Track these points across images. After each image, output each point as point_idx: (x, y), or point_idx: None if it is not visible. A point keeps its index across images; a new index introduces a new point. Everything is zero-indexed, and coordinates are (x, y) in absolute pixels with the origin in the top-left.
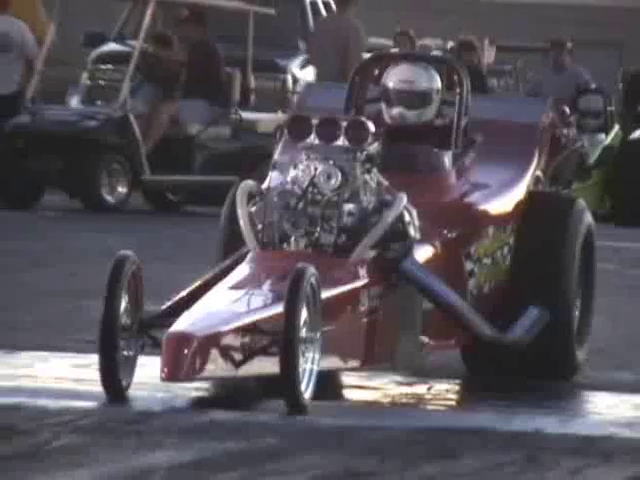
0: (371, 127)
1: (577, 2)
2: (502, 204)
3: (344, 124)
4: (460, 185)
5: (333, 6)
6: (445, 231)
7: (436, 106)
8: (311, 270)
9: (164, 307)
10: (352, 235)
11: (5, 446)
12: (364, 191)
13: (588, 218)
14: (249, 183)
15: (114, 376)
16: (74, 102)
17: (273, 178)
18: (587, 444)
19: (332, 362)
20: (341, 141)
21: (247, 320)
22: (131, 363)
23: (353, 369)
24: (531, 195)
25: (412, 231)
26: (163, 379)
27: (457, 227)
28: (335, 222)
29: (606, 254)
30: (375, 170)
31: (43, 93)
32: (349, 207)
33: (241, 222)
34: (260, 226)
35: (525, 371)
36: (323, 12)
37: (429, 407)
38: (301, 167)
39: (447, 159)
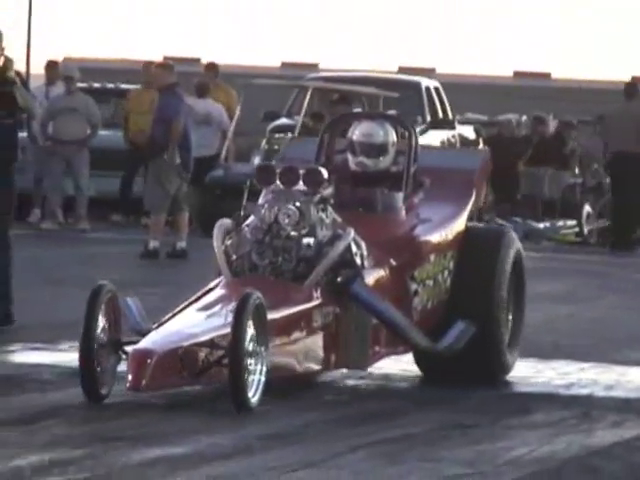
0: (325, 174)
1: None
2: (442, 235)
3: (302, 172)
4: (408, 220)
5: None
6: (393, 258)
7: (392, 156)
8: (256, 294)
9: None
10: (309, 264)
11: None
12: (320, 227)
13: (517, 245)
14: (225, 221)
15: (93, 385)
16: (256, 161)
17: (247, 217)
18: (625, 404)
19: (292, 368)
20: (300, 186)
21: (205, 337)
22: (110, 374)
23: (312, 373)
24: (468, 228)
25: (358, 260)
26: (128, 389)
27: (403, 255)
28: (294, 253)
29: None
30: (330, 209)
31: (234, 155)
32: (307, 240)
33: (216, 254)
34: (234, 257)
35: (464, 372)
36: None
37: (513, 380)
38: (267, 207)
39: (399, 199)
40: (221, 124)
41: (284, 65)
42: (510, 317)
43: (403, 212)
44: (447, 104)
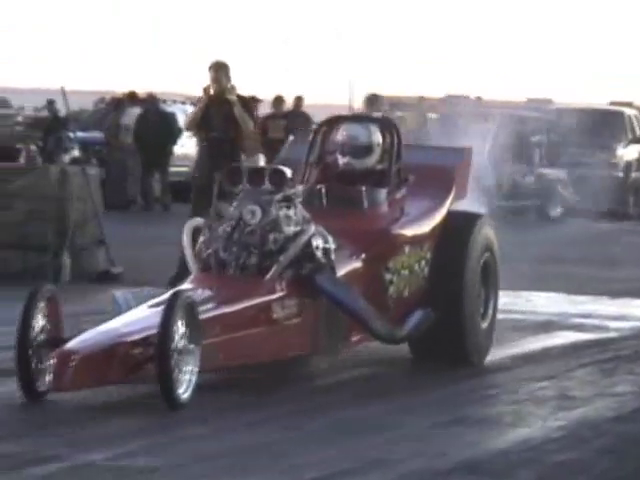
0: (288, 174)
1: None
2: (419, 228)
3: (267, 172)
4: (387, 215)
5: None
6: (367, 250)
7: (377, 155)
8: (186, 294)
9: None
10: (274, 258)
11: None
12: (286, 223)
13: (487, 229)
14: (196, 220)
15: (29, 383)
16: None
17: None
18: None
19: (251, 357)
20: (266, 185)
21: (138, 335)
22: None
23: (277, 359)
24: (446, 215)
25: (320, 254)
26: (51, 389)
27: (377, 247)
28: (258, 248)
29: None
30: (299, 206)
31: None
32: (273, 236)
33: (185, 251)
34: (205, 254)
35: (439, 355)
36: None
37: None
38: (234, 206)
39: (382, 195)
40: None
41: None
42: (483, 299)
43: (385, 207)
44: None
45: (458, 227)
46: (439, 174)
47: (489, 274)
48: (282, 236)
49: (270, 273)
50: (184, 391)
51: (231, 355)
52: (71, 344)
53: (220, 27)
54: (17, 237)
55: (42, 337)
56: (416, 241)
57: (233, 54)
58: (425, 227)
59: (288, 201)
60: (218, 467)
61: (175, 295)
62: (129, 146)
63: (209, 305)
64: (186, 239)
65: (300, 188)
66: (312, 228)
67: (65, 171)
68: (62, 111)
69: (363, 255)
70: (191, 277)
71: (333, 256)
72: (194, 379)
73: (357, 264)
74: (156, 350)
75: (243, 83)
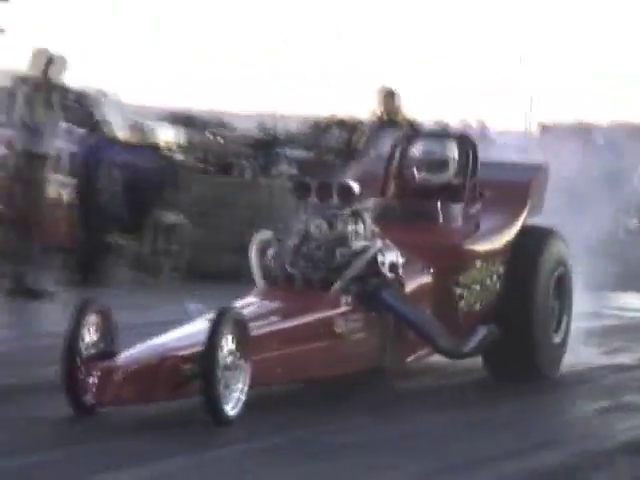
0: (356, 189)
1: None
2: (491, 243)
3: (335, 187)
4: (461, 230)
5: None
6: (437, 265)
7: (453, 170)
8: (234, 310)
9: None
10: (340, 273)
11: None
12: (353, 238)
13: (560, 246)
14: (265, 232)
15: (77, 396)
16: None
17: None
18: None
19: (311, 371)
20: (334, 200)
21: (187, 351)
22: None
23: (343, 373)
24: (518, 230)
25: (386, 269)
26: (94, 404)
27: (447, 262)
28: (324, 263)
29: None
30: (368, 220)
31: None
32: (340, 250)
33: (252, 263)
34: (273, 266)
35: (509, 370)
36: None
37: None
38: (302, 220)
39: (457, 210)
40: None
41: None
42: (557, 313)
43: (460, 221)
44: None
45: (530, 242)
46: (514, 190)
47: (563, 288)
48: (349, 251)
49: (333, 288)
50: (232, 408)
51: (290, 369)
52: (117, 358)
53: (219, 27)
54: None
55: (91, 350)
56: (488, 256)
57: (233, 54)
58: (497, 242)
59: (356, 216)
60: None
61: (223, 310)
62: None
63: (269, 319)
64: (253, 252)
65: (371, 203)
66: (378, 243)
67: (273, 184)
68: (273, 131)
69: (433, 269)
70: (255, 290)
71: (401, 270)
72: (243, 397)
73: (427, 278)
74: (201, 366)
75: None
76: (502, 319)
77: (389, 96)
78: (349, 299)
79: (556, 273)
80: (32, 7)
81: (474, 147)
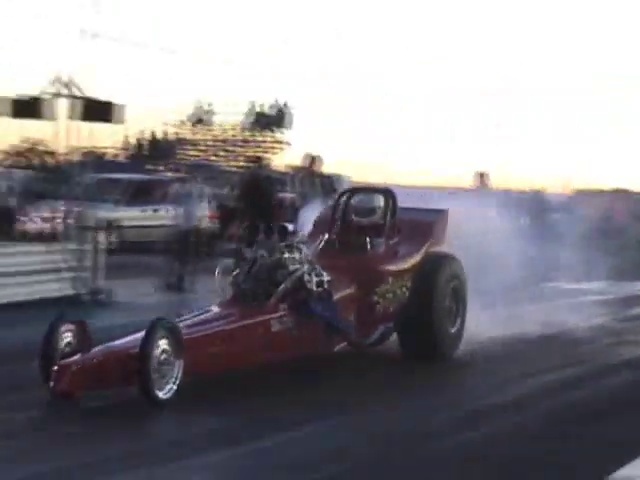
0: (289, 229)
1: None
2: (401, 265)
3: (276, 228)
4: (382, 257)
5: None
6: (358, 281)
7: (379, 214)
8: (166, 320)
9: None
10: (278, 288)
11: None
12: (290, 262)
13: (456, 265)
14: (226, 261)
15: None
16: None
17: (243, 259)
18: None
19: (257, 359)
20: (275, 237)
21: (129, 351)
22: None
23: (282, 359)
24: (424, 255)
25: (311, 285)
26: (52, 393)
27: (367, 279)
28: (266, 281)
29: None
30: (304, 250)
31: None
32: (280, 272)
33: (216, 283)
34: (236, 285)
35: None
36: None
37: None
38: (252, 251)
39: (381, 243)
40: None
41: None
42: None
43: (382, 252)
44: None
45: (431, 263)
46: (422, 227)
47: (458, 295)
48: (286, 272)
49: (271, 299)
50: (164, 394)
51: (232, 359)
52: (76, 356)
53: (220, 27)
54: None
55: (66, 350)
56: (399, 274)
57: (233, 54)
58: (407, 264)
59: (291, 247)
60: None
61: (156, 321)
62: None
63: (218, 323)
64: (218, 275)
65: (305, 237)
66: (306, 266)
67: None
68: None
69: (356, 284)
70: (218, 302)
71: (326, 285)
72: (175, 386)
73: (351, 290)
74: (138, 362)
75: None
76: (410, 318)
77: (313, 159)
78: (285, 307)
79: (451, 284)
80: None
81: (394, 198)
